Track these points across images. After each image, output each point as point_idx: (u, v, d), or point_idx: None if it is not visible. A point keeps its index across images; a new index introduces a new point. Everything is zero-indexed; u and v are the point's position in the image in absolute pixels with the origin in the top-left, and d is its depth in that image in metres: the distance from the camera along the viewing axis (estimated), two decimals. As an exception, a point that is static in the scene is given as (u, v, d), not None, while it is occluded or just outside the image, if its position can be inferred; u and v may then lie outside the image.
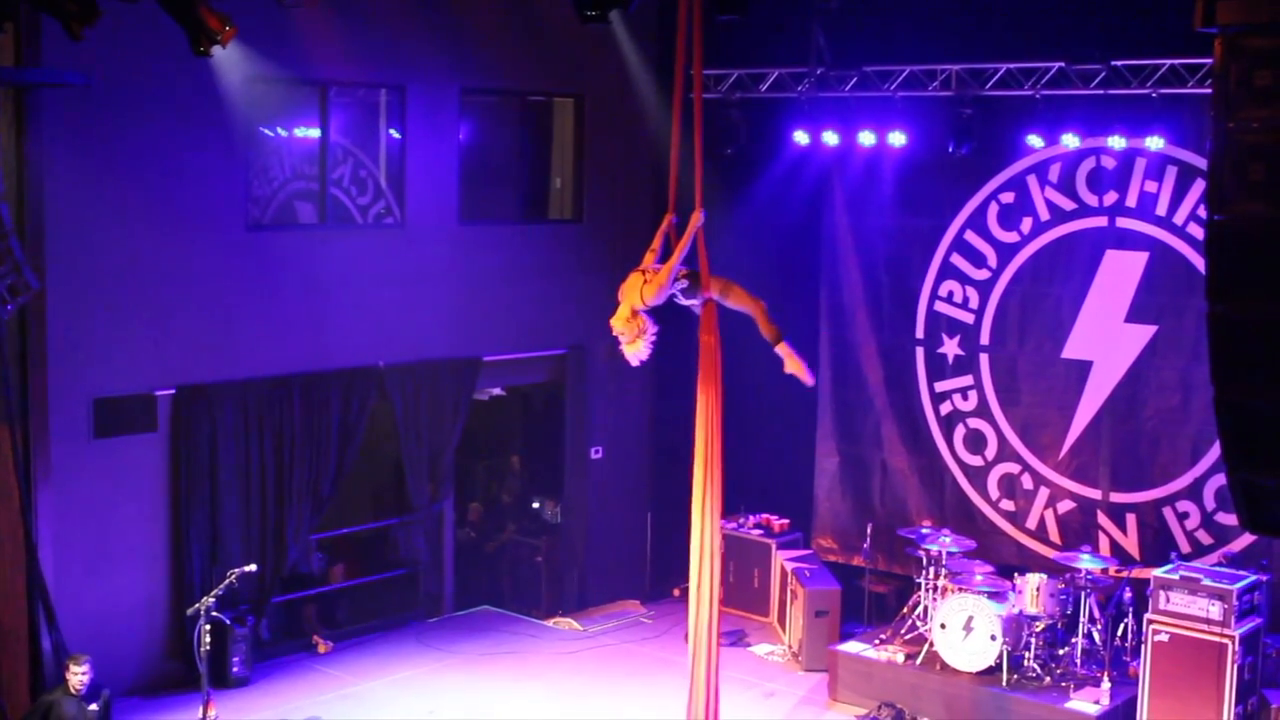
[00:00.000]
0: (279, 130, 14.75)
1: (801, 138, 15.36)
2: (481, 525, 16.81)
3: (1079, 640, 13.20)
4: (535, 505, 17.13)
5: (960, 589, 13.53)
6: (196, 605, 11.62)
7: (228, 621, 13.09)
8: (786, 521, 16.24)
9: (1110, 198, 14.34)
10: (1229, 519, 13.43)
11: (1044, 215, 14.77)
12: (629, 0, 7.85)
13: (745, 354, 16.48)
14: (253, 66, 13.17)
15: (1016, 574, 13.59)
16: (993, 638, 13.06)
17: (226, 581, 11.90)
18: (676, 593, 16.31)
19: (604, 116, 16.44)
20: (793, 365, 10.58)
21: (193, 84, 12.95)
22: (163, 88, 12.97)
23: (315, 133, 14.70)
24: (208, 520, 13.65)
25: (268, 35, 12.93)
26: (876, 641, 14.05)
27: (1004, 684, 12.98)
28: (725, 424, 10.72)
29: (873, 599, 15.23)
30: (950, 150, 14.22)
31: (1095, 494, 14.60)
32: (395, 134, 15.19)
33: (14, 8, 9.70)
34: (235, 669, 13.64)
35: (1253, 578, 12.56)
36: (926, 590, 13.99)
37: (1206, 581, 12.39)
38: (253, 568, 12.52)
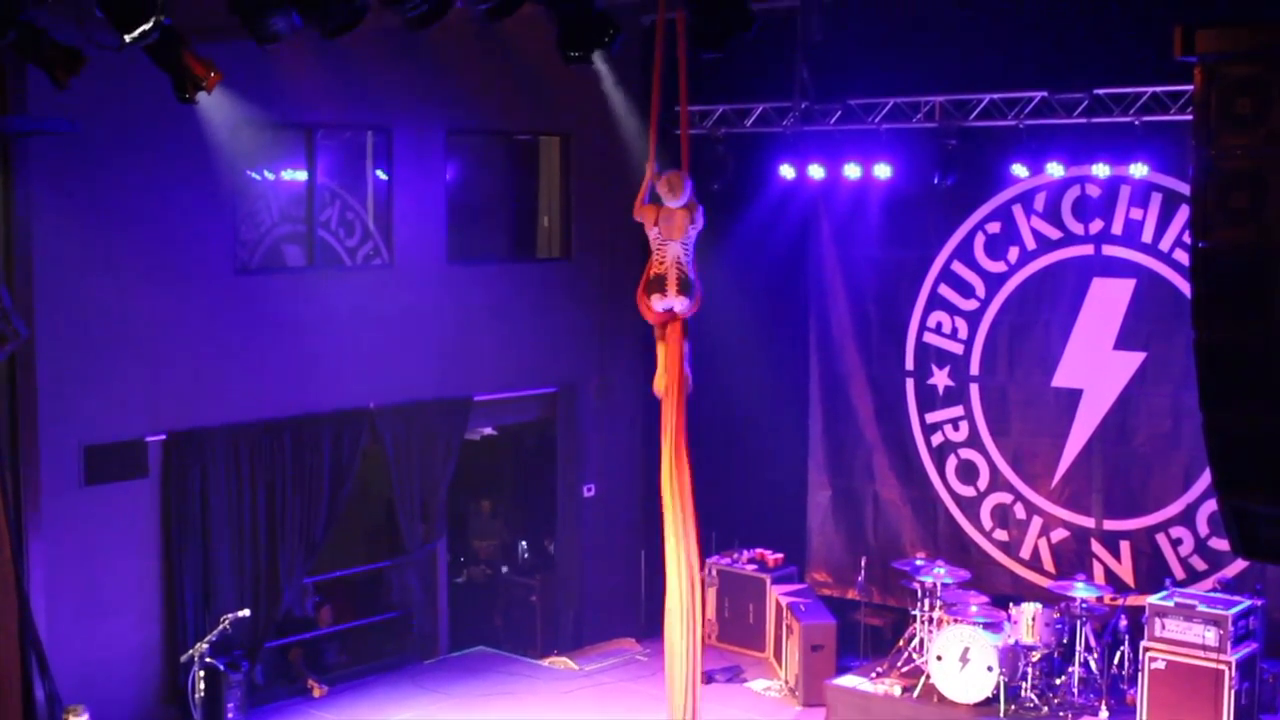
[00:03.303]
0: (265, 174, 14.76)
1: (787, 172, 15.41)
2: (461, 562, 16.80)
3: (1076, 669, 13.17)
4: (524, 545, 17.12)
5: (956, 620, 13.51)
6: (190, 651, 11.58)
7: (222, 667, 13.03)
8: (780, 556, 16.20)
9: (1096, 225, 14.38)
10: (1223, 544, 13.43)
11: (1030, 244, 14.81)
12: (611, 41, 7.87)
13: (736, 390, 16.55)
14: (238, 111, 13.19)
15: (1012, 604, 13.57)
16: (989, 668, 13.03)
17: (220, 627, 11.85)
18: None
19: (590, 154, 16.47)
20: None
21: (179, 129, 12.96)
22: (149, 134, 12.98)
23: (302, 175, 14.72)
24: (200, 565, 13.60)
25: (253, 80, 12.94)
26: (873, 675, 14.01)
27: (1001, 715, 12.94)
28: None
29: (868, 632, 15.18)
30: (936, 181, 14.26)
31: (1088, 522, 14.59)
32: (382, 175, 15.21)
33: (-1, 57, 9.74)
34: (230, 715, 13.52)
35: (1248, 603, 12.55)
36: (922, 622, 13.96)
37: (1202, 608, 12.38)
38: (246, 613, 12.47)
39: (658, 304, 10.87)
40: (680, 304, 10.82)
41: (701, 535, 15.43)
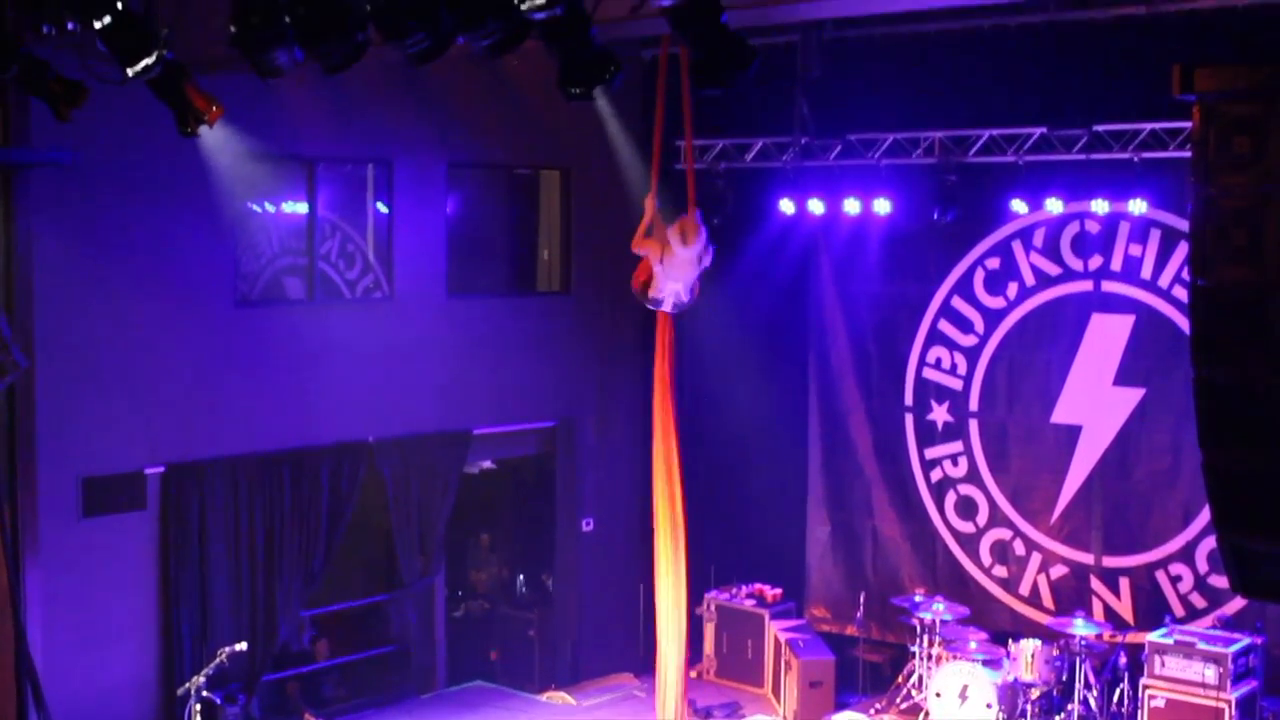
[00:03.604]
0: (266, 206, 14.79)
1: (787, 206, 15.43)
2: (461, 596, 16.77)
3: (1075, 707, 13.11)
4: (521, 579, 17.08)
5: (955, 657, 13.48)
6: (187, 685, 11.52)
7: (218, 701, 12.94)
8: (779, 591, 16.15)
9: (1095, 262, 14.40)
10: (1222, 581, 13.38)
11: (1029, 280, 14.83)
12: (612, 78, 7.90)
13: (735, 425, 16.55)
14: (240, 144, 13.21)
15: (1011, 640, 13.55)
16: (988, 705, 12.99)
17: (217, 660, 11.80)
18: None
19: (590, 189, 16.50)
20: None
21: (180, 162, 12.98)
22: (150, 166, 13.01)
23: (303, 208, 14.75)
24: (197, 598, 13.56)
25: (254, 113, 12.97)
26: (872, 711, 13.97)
27: (1000, 752, 12.90)
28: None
29: (867, 668, 15.14)
30: (935, 217, 14.27)
31: (1088, 558, 14.56)
32: (383, 208, 15.24)
33: (1, 90, 9.76)
34: (226, 748, 13.51)
35: (1248, 640, 12.52)
36: (921, 658, 13.93)
37: (1201, 645, 12.36)
38: (243, 646, 12.40)
39: (651, 305, 11.10)
40: (673, 313, 11.05)
41: (700, 569, 15.52)
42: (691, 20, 7.20)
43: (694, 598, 15.71)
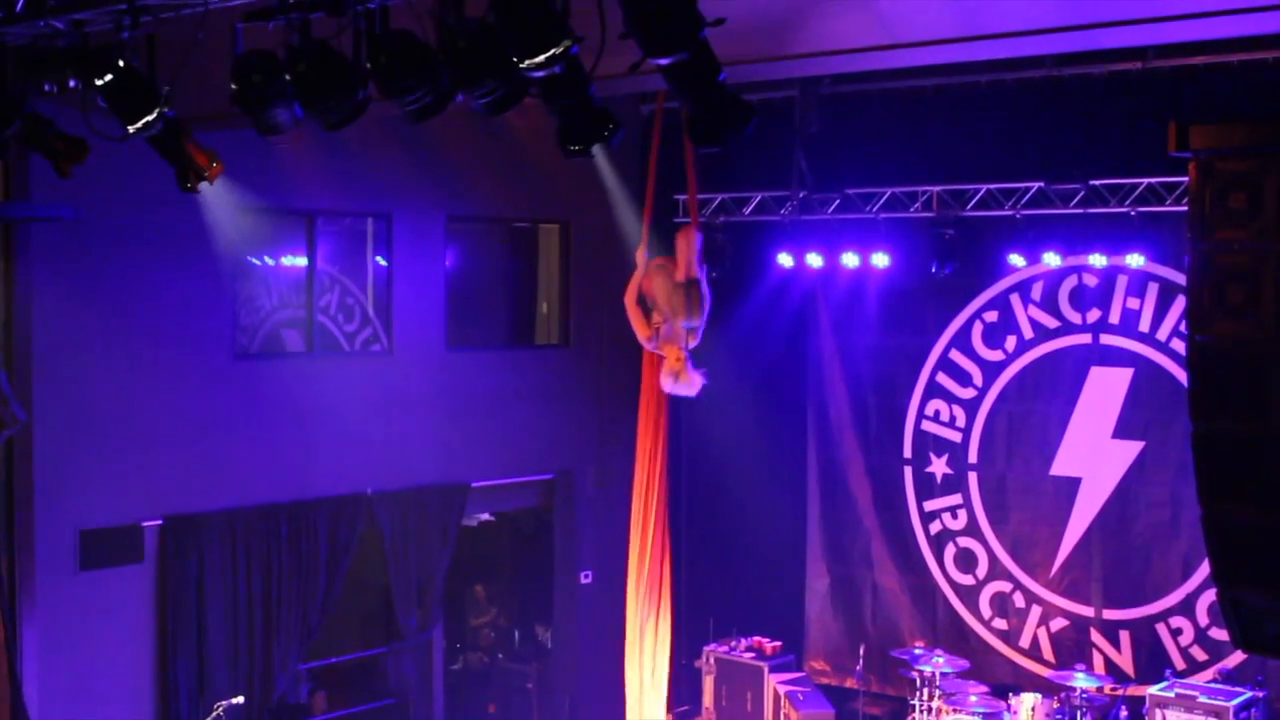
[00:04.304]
0: (266, 259, 14.82)
1: (786, 260, 15.47)
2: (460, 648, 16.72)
3: (1076, 761, 13.08)
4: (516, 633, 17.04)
5: (955, 710, 13.42)
6: (183, 739, 11.49)
7: (215, 756, 12.91)
8: (778, 644, 16.07)
9: (1093, 315, 14.43)
10: (1223, 635, 13.34)
11: (1028, 333, 14.86)
12: (611, 136, 7.93)
13: (734, 477, 16.54)
14: (239, 198, 13.25)
15: (1011, 694, 13.50)
16: (989, 760, 12.93)
17: (214, 714, 11.75)
18: (669, 718, 16.14)
19: (589, 242, 16.55)
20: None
21: (180, 216, 13.01)
22: (150, 220, 13.04)
23: (302, 261, 14.78)
24: (195, 652, 13.50)
25: (254, 168, 13.01)
26: (872, 765, 13.90)
27: (1002, 807, 12.83)
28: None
29: (867, 721, 15.09)
30: (933, 270, 14.30)
31: (1088, 611, 14.52)
32: (382, 261, 15.27)
33: (3, 146, 9.81)
34: (223, 803, 13.42)
35: (1249, 694, 12.47)
36: (921, 712, 13.86)
37: (1203, 699, 12.31)
38: (240, 699, 12.35)
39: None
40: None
41: (699, 621, 15.50)
42: (689, 79, 7.21)
43: (693, 650, 15.73)
